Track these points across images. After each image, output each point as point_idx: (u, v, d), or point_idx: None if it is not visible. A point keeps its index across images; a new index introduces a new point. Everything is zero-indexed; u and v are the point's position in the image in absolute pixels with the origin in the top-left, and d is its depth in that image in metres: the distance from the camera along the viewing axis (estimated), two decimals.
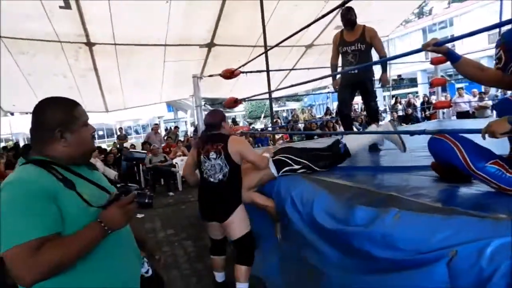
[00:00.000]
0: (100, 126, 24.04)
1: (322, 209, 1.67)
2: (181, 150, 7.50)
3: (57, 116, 1.07)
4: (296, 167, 2.40)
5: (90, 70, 8.24)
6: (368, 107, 3.43)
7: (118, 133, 13.48)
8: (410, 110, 9.13)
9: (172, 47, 8.03)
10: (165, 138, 9.48)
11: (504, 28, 1.71)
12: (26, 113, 16.42)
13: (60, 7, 6.13)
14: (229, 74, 3.98)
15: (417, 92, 18.44)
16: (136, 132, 26.64)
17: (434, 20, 19.97)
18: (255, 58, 3.64)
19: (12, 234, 0.87)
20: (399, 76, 21.83)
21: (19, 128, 20.06)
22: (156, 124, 10.21)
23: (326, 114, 11.26)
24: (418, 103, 10.70)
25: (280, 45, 8.71)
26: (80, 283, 0.97)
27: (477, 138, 1.33)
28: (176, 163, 7.05)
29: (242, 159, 2.30)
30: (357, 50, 3.29)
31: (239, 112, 28.23)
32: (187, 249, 3.68)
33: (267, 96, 5.29)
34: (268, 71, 5.37)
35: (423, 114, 9.29)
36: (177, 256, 3.52)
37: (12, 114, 17.99)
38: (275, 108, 32.18)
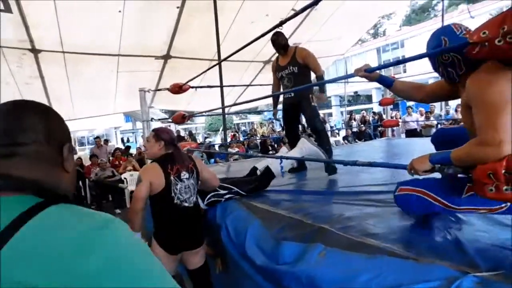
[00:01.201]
0: None
1: (254, 242, 1.58)
2: (131, 165, 7.16)
3: (63, 127, 0.72)
4: (222, 192, 2.26)
5: (36, 78, 7.74)
6: (311, 126, 3.26)
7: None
8: (363, 127, 9.44)
9: (125, 58, 7.75)
10: (113, 151, 9.00)
11: None
12: None
13: (0, 10, 5.73)
14: (177, 89, 3.85)
15: (372, 108, 19.21)
16: (90, 143, 25.51)
17: (387, 41, 21.08)
18: (204, 72, 3.56)
19: None
20: (355, 92, 22.70)
21: None
22: (97, 137, 9.70)
23: (283, 129, 11.33)
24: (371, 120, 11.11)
25: (238, 60, 8.70)
26: None
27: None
28: (125, 178, 6.71)
29: None
30: (290, 74, 3.18)
31: (200, 124, 27.96)
32: None
33: (220, 111, 5.19)
34: (221, 86, 5.30)
35: (377, 131, 9.63)
36: None
37: None
38: (237, 121, 32.23)
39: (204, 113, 4.21)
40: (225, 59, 2.80)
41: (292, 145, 3.23)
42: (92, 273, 0.44)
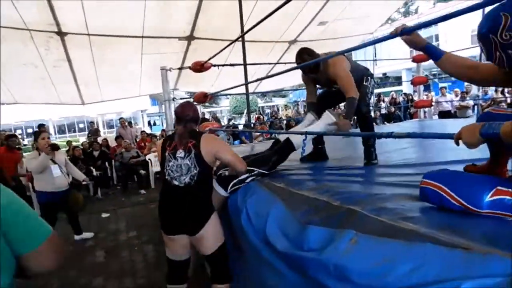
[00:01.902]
0: (80, 119, 23.43)
1: (276, 226, 1.45)
2: (155, 146, 7.19)
3: None
4: (243, 177, 2.10)
5: (63, 60, 7.86)
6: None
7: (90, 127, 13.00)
8: (392, 109, 9.03)
9: (149, 39, 7.71)
10: (141, 132, 9.09)
11: None
12: (2, 104, 15.91)
13: None
14: (199, 67, 3.75)
15: (401, 91, 18.48)
16: (118, 126, 26.14)
17: (419, 19, 19.98)
18: (225, 48, 3.43)
19: None
20: (384, 74, 21.86)
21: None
22: (122, 118, 9.78)
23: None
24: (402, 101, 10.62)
25: (262, 40, 8.47)
26: None
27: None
28: (149, 159, 6.75)
29: (214, 161, 1.98)
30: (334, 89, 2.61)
31: (225, 107, 27.93)
32: (146, 254, 3.45)
33: (243, 91, 5.03)
34: (245, 64, 5.14)
35: (406, 113, 9.21)
36: (134, 262, 3.28)
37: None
38: (261, 103, 32.01)
39: (226, 92, 4.07)
40: (246, 32, 2.63)
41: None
42: None
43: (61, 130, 25.57)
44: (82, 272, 3.16)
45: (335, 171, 2.18)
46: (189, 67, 3.84)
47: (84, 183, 4.66)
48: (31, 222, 0.99)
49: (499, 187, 1.09)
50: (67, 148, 8.02)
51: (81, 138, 15.89)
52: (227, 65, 4.24)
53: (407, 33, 1.36)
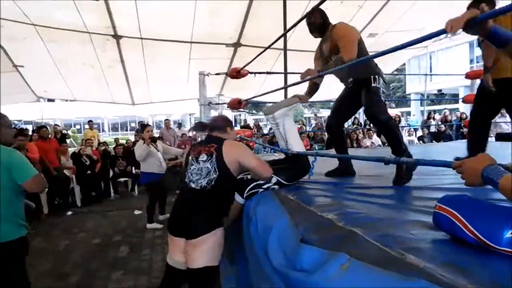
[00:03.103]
0: (133, 118, 24.70)
1: (277, 240, 1.38)
2: None
3: None
4: (261, 182, 2.03)
5: (117, 62, 8.37)
6: (370, 117, 2.38)
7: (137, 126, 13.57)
8: (443, 127, 8.46)
9: (197, 45, 7.97)
10: (181, 135, 9.33)
11: None
12: (66, 100, 17.24)
13: None
14: (235, 74, 3.78)
15: (458, 109, 17.38)
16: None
17: None
18: (257, 56, 3.43)
19: None
20: (439, 90, 20.70)
21: (57, 114, 21.07)
22: (167, 119, 10.12)
23: (352, 123, 10.73)
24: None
25: (305, 50, 8.37)
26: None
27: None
28: None
29: (238, 169, 1.94)
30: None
31: None
32: (166, 254, 3.47)
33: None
34: (285, 73, 5.09)
35: (458, 132, 8.59)
36: (153, 261, 3.34)
37: (52, 100, 18.92)
38: (307, 114, 31.68)
39: (260, 99, 4.05)
40: (277, 39, 2.60)
41: (335, 145, 2.68)
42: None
43: (114, 127, 27.18)
44: (103, 265, 3.28)
45: (354, 189, 2.04)
46: (226, 73, 3.87)
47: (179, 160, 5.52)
48: (24, 166, 2.00)
49: None
50: (114, 145, 8.48)
51: (132, 137, 16.75)
52: (264, 72, 4.22)
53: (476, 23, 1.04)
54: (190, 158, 2.00)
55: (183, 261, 1.90)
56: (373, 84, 2.27)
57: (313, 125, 14.97)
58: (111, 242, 3.99)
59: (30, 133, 9.53)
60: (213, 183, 1.86)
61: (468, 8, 2.26)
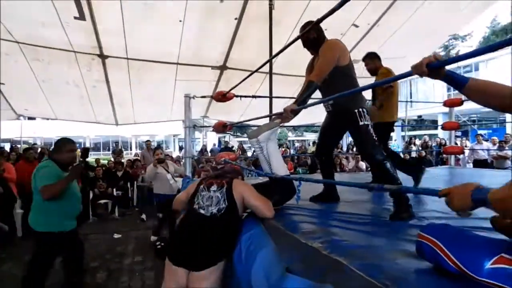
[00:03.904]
0: (116, 138, 24.41)
1: (262, 269, 1.35)
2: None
3: None
4: None
5: (102, 81, 8.30)
6: (365, 157, 2.33)
7: (115, 147, 13.35)
8: (423, 153, 8.66)
9: (184, 66, 8.01)
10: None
11: None
12: (47, 119, 16.92)
13: (75, 17, 6.20)
14: (220, 97, 3.78)
15: (437, 135, 17.88)
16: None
17: (459, 63, 19.55)
18: (243, 80, 3.43)
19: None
20: (419, 116, 21.32)
21: (40, 132, 20.62)
22: (149, 140, 10.00)
23: (336, 148, 10.87)
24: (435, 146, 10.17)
25: (291, 74, 8.48)
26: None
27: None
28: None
29: (242, 206, 1.94)
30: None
31: None
32: (145, 281, 3.36)
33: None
34: (270, 97, 5.15)
35: (438, 158, 8.79)
36: None
37: (33, 118, 18.54)
38: (292, 137, 31.96)
39: (244, 123, 4.05)
40: (265, 64, 2.62)
41: (322, 170, 2.66)
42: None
43: (96, 147, 26.68)
44: None
45: (340, 216, 2.03)
46: (211, 96, 3.89)
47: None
48: (43, 177, 2.51)
49: (503, 255, 0.95)
50: (95, 165, 8.29)
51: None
52: (249, 96, 4.26)
53: (434, 68, 1.13)
54: (201, 186, 2.03)
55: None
56: (361, 123, 2.12)
57: (298, 148, 15.08)
58: (87, 267, 3.82)
59: (8, 151, 9.29)
60: (222, 212, 1.87)
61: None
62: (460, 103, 4.65)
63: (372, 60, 3.57)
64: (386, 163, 2.06)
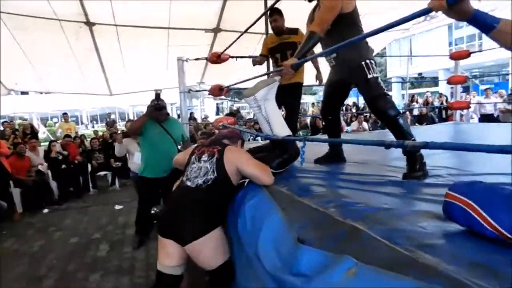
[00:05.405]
0: (113, 109, 24.00)
1: (269, 240, 1.24)
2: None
3: None
4: None
5: (92, 50, 7.97)
6: (375, 112, 2.10)
7: (108, 119, 13.19)
8: (424, 110, 8.48)
9: (176, 31, 7.65)
10: None
11: None
12: (41, 93, 16.53)
13: None
14: (215, 58, 3.57)
15: (438, 92, 17.61)
16: None
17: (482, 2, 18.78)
18: (236, 40, 3.20)
19: None
20: (419, 74, 20.87)
21: (32, 107, 20.27)
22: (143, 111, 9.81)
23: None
24: (437, 103, 9.95)
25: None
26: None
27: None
28: None
29: (237, 175, 1.80)
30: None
31: None
32: (149, 252, 3.32)
33: None
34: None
35: (441, 115, 8.61)
36: (136, 259, 3.17)
37: (26, 93, 18.13)
38: None
39: (242, 85, 3.85)
40: (255, 22, 2.41)
41: (329, 130, 2.50)
42: None
43: (94, 119, 26.39)
44: (81, 266, 3.09)
45: (350, 177, 1.89)
46: (206, 58, 3.68)
47: None
48: None
49: None
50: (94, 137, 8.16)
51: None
52: (245, 57, 4.02)
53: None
54: (193, 157, 1.92)
55: (174, 265, 1.74)
56: (369, 76, 1.95)
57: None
58: (90, 240, 3.77)
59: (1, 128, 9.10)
60: (209, 183, 1.74)
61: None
62: (467, 55, 4.42)
63: (281, 17, 3.08)
64: (399, 119, 1.90)
